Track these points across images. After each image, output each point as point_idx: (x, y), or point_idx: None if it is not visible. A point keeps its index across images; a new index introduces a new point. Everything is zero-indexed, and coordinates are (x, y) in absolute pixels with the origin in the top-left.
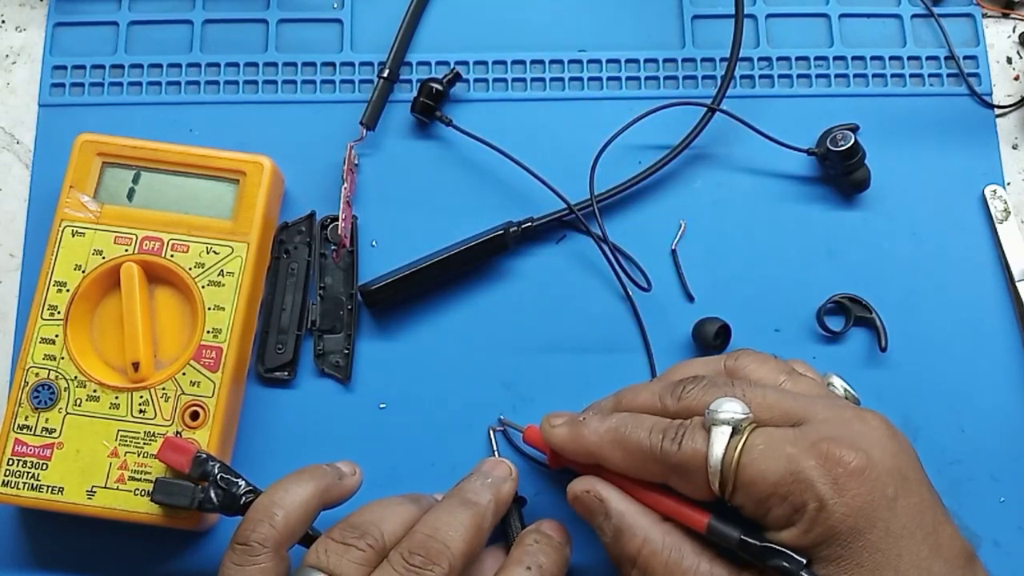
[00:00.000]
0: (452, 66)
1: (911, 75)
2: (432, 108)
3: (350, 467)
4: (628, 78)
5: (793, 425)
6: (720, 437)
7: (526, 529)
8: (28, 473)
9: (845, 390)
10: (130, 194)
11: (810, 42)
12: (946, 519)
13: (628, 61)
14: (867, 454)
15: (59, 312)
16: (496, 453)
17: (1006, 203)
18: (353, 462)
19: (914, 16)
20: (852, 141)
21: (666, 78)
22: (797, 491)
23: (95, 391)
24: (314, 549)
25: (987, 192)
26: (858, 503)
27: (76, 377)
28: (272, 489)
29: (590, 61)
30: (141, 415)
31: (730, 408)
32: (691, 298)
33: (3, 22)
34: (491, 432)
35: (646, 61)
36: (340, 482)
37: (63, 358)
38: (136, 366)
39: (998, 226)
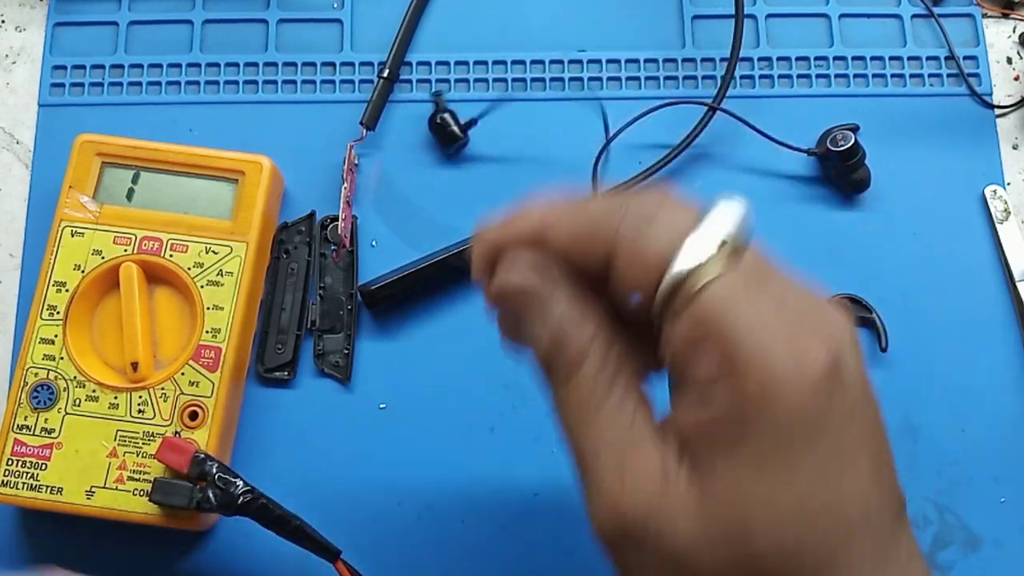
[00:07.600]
0: (452, 66)
1: (911, 75)
2: (457, 137)
3: None
4: (628, 78)
5: None
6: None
7: None
8: (27, 473)
9: None
10: (129, 194)
11: (810, 42)
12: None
13: (628, 61)
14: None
15: (58, 312)
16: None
17: (1006, 203)
18: None
19: (914, 16)
20: (852, 141)
21: (666, 78)
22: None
23: (94, 391)
24: None
25: (987, 192)
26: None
27: (75, 377)
28: None
29: (590, 61)
30: (140, 415)
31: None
32: None
33: (3, 22)
34: None
35: (646, 61)
36: None
37: (62, 358)
38: (135, 366)
39: (998, 226)
